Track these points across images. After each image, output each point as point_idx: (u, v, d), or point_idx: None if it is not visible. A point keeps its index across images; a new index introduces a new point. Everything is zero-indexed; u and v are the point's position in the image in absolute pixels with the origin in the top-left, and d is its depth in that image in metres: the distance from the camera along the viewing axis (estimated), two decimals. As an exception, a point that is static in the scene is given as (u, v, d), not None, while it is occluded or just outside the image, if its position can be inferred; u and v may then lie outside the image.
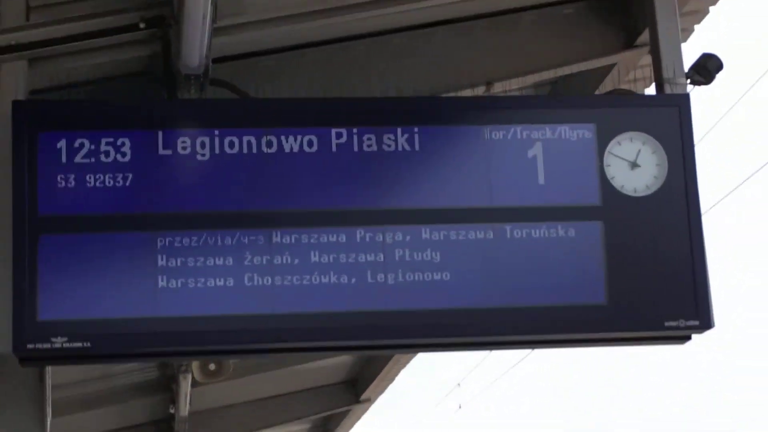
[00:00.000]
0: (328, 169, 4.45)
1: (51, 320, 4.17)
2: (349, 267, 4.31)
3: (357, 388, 14.06)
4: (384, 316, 4.32)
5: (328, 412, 15.00)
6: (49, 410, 5.26)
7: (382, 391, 14.12)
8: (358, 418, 15.81)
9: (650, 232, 4.48)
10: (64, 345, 4.16)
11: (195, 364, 10.58)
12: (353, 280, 4.30)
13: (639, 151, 4.52)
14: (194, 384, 11.14)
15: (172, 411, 12.48)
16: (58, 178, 4.26)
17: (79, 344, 4.17)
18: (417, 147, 4.48)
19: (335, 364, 13.36)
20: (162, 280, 4.22)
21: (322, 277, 4.29)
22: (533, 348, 4.57)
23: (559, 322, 4.40)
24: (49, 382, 5.29)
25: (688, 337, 4.49)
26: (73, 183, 4.27)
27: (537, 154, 4.50)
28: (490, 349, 4.67)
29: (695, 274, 4.43)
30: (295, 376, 13.49)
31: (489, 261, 4.36)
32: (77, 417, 12.04)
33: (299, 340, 4.47)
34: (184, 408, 11.91)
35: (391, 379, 13.58)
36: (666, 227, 4.49)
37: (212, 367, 10.88)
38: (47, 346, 4.15)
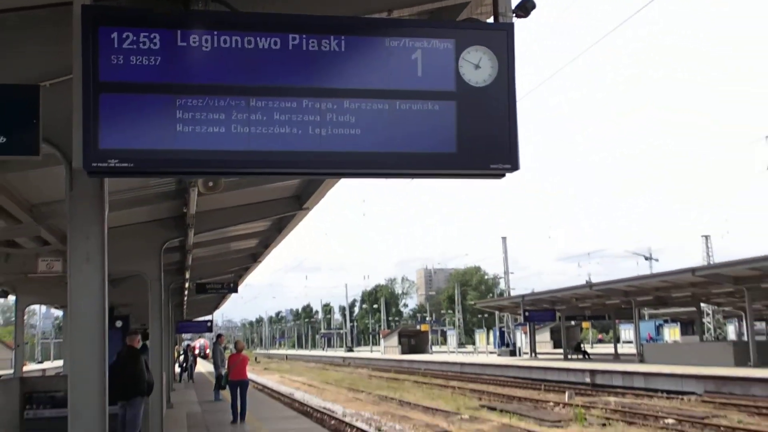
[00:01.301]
0: (287, 60, 4.47)
1: (107, 149, 4.22)
2: (297, 123, 4.40)
3: (301, 200, 14.32)
4: (319, 155, 4.42)
5: (282, 215, 15.29)
6: (106, 206, 5.36)
7: (316, 203, 14.34)
8: (301, 219, 16.06)
9: (485, 108, 4.60)
10: (116, 164, 4.24)
11: (199, 181, 10.70)
12: (300, 132, 4.39)
13: (481, 58, 4.58)
14: (199, 194, 11.35)
15: (185, 211, 12.73)
16: (112, 57, 4.25)
17: (126, 164, 4.26)
18: (343, 48, 4.51)
19: (287, 185, 13.56)
20: (179, 126, 4.28)
21: (281, 128, 4.37)
22: (412, 178, 4.70)
23: (427, 162, 4.55)
24: (106, 188, 5.37)
25: (503, 175, 4.67)
26: (122, 61, 4.26)
27: (418, 57, 4.54)
28: (384, 177, 4.78)
29: (510, 135, 4.59)
30: (262, 191, 13.69)
31: (384, 123, 4.46)
32: (124, 212, 12.19)
33: (266, 168, 4.60)
34: (192, 209, 12.13)
35: (323, 195, 13.85)
36: (495, 106, 4.60)
37: (210, 183, 10.98)
38: (105, 165, 4.23)
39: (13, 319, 26.54)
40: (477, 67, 4.60)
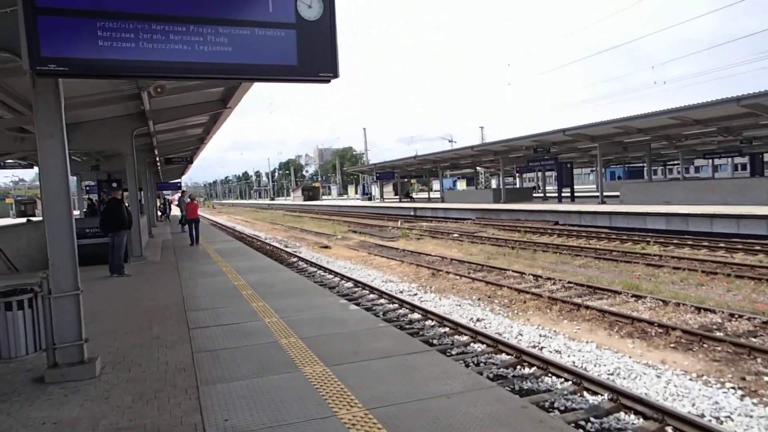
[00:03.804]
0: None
1: (47, 56, 3.62)
2: (187, 42, 3.87)
3: (225, 102, 13.26)
4: (202, 65, 3.91)
5: (214, 111, 14.12)
6: (62, 99, 4.66)
7: (236, 104, 13.33)
8: (228, 116, 15.01)
9: (316, 36, 4.17)
10: (55, 68, 3.65)
11: (150, 87, 9.69)
12: (189, 48, 3.87)
13: (312, 1, 4.16)
14: (150, 96, 10.25)
15: (143, 108, 11.55)
16: None
17: (62, 68, 3.66)
18: None
19: (215, 91, 12.54)
20: (100, 42, 3.69)
21: (175, 45, 3.85)
22: (268, 82, 4.30)
23: (278, 71, 4.14)
24: (61, 87, 4.67)
25: (329, 81, 4.28)
26: None
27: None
28: (248, 81, 4.37)
29: (333, 54, 4.22)
30: (198, 95, 12.62)
31: (247, 44, 4.01)
32: (102, 108, 11.09)
33: (166, 72, 3.98)
34: (148, 107, 11.05)
35: (240, 99, 12.86)
36: (323, 34, 4.19)
37: (159, 89, 9.96)
38: (47, 68, 3.64)
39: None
40: (309, 7, 4.18)
